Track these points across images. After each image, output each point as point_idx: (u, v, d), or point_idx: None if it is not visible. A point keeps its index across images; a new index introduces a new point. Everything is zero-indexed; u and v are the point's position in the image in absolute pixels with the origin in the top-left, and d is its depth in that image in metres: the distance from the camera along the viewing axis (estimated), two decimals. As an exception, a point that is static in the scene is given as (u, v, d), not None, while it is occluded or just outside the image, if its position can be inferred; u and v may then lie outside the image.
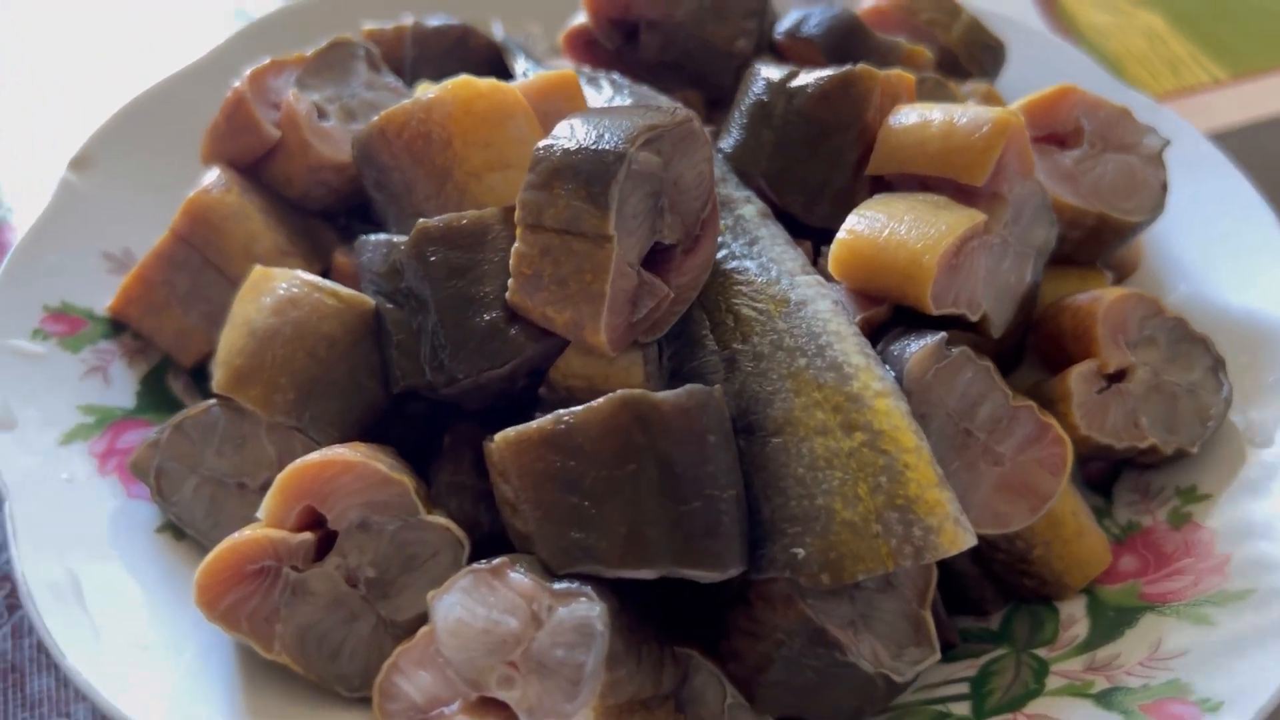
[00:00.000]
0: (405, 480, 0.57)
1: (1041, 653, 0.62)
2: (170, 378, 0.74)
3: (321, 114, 0.73)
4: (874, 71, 0.67)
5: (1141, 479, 0.70)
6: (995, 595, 0.66)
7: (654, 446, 0.52)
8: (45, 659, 0.70)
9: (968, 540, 0.53)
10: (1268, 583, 0.60)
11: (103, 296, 0.74)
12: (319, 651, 0.57)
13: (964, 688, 0.61)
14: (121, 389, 0.72)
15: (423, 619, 0.55)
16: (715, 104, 0.79)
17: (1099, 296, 0.68)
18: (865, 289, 0.63)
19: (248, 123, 0.72)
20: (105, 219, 0.78)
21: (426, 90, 0.65)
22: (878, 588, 0.57)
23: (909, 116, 0.65)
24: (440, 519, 0.57)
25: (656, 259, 0.60)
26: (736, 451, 0.55)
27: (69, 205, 0.77)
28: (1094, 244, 0.72)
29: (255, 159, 0.73)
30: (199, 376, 0.74)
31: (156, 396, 0.73)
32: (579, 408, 0.53)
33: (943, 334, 0.59)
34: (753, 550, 0.54)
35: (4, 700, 0.68)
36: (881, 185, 0.67)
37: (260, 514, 0.57)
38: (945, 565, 0.60)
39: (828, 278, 0.63)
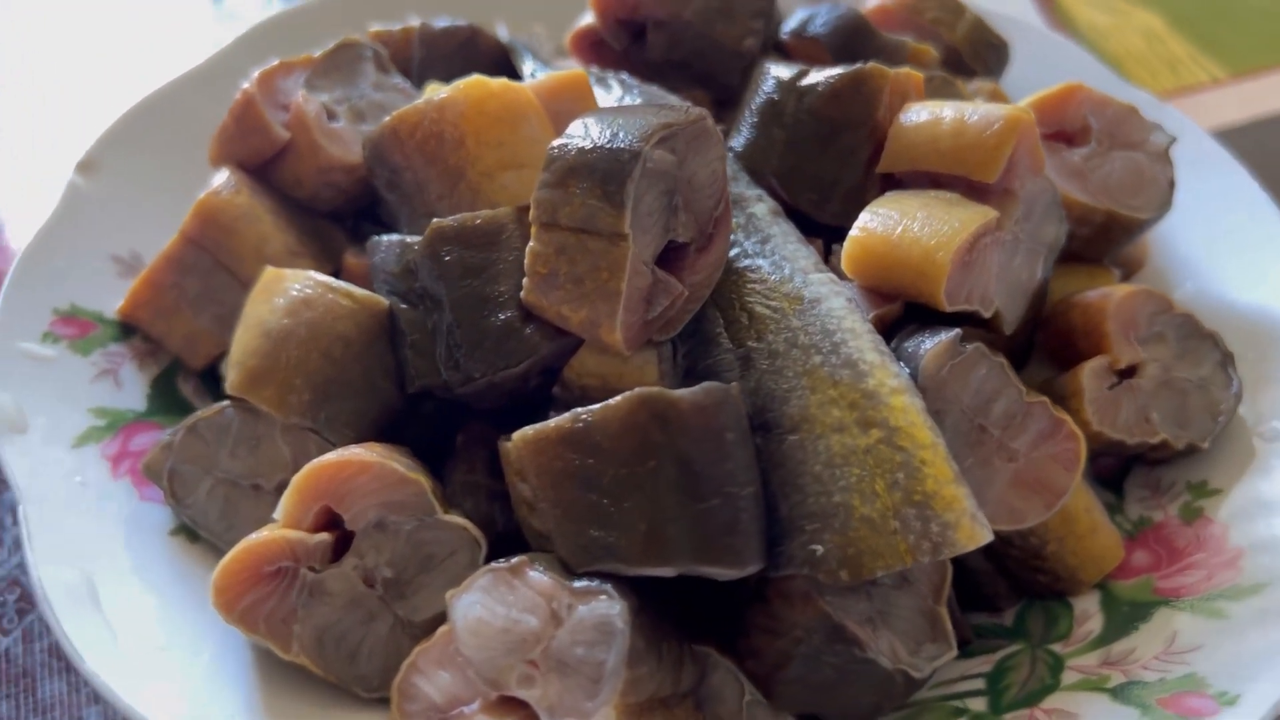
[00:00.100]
0: (422, 480, 0.57)
1: (1056, 648, 0.62)
2: (180, 380, 0.74)
3: (330, 115, 0.73)
4: (884, 70, 0.67)
5: (1152, 474, 0.70)
6: (1008, 591, 0.66)
7: (672, 444, 0.52)
8: (56, 664, 0.69)
9: (985, 536, 0.53)
10: (1281, 576, 0.60)
11: (111, 299, 0.74)
12: (337, 652, 0.57)
13: (980, 683, 0.61)
14: (132, 391, 0.72)
15: (440, 619, 0.55)
16: (722, 103, 0.79)
17: (1109, 293, 0.68)
18: (878, 286, 0.63)
19: (257, 124, 0.72)
20: (112, 222, 0.78)
21: (438, 91, 0.65)
22: (894, 584, 0.57)
23: (920, 114, 0.66)
24: (457, 518, 0.57)
25: (670, 257, 0.60)
26: (754, 449, 0.55)
27: (76, 209, 0.77)
28: (1102, 241, 0.73)
29: (264, 161, 0.73)
30: (208, 379, 0.74)
31: (167, 399, 0.73)
32: (597, 406, 0.53)
33: (957, 330, 0.59)
34: (770, 547, 0.54)
35: (16, 705, 0.67)
36: (892, 183, 0.67)
37: (277, 515, 0.57)
38: (958, 561, 0.60)
39: (840, 275, 0.63)
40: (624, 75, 0.77)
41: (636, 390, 0.53)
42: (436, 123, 0.63)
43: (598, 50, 0.82)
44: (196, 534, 0.65)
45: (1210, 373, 0.69)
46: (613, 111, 0.60)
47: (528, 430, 0.55)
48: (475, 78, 0.65)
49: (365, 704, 0.58)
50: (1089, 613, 0.63)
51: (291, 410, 0.61)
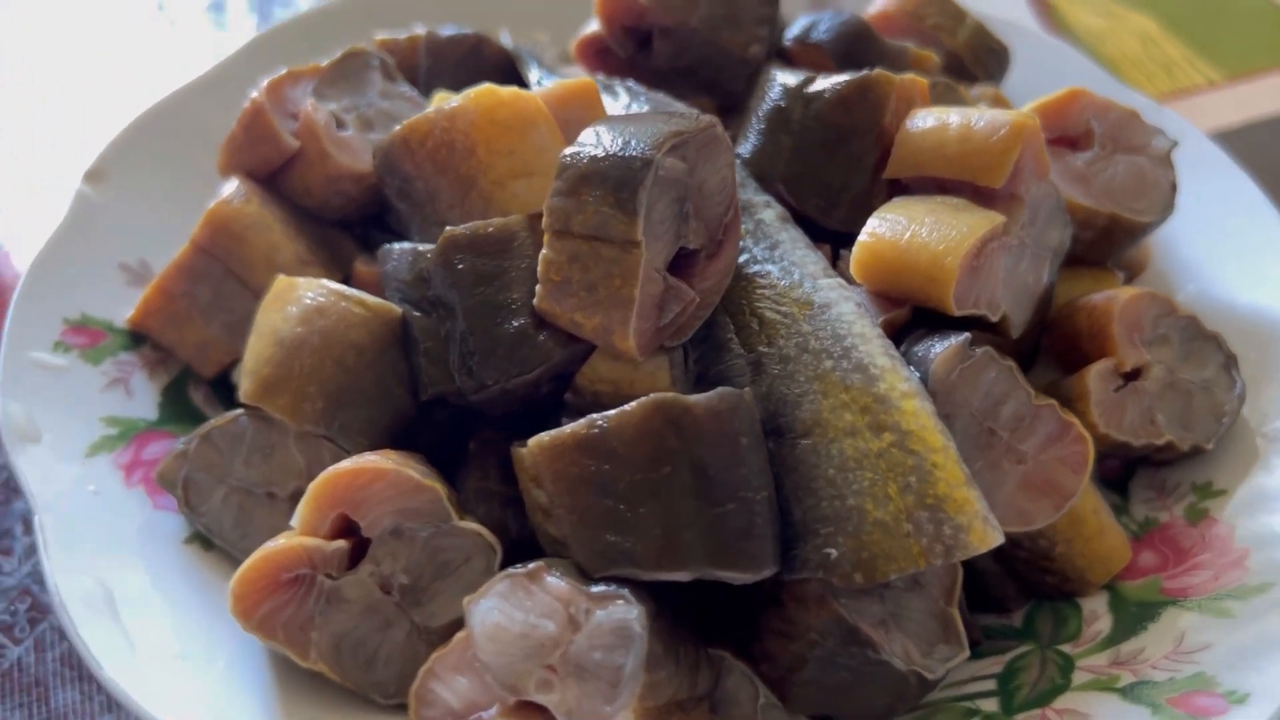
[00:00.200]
0: (437, 487, 0.58)
1: (1066, 648, 0.62)
2: (191, 388, 0.74)
3: (339, 124, 0.73)
4: (890, 76, 0.68)
5: (1157, 476, 0.71)
6: (1017, 593, 0.66)
7: (687, 449, 0.53)
8: (69, 673, 0.69)
9: (996, 538, 0.53)
10: (1288, 576, 0.61)
11: (121, 308, 0.75)
12: (354, 659, 0.57)
13: (991, 684, 0.61)
14: (143, 400, 0.72)
15: (457, 625, 0.56)
16: (727, 110, 0.79)
17: (1114, 296, 0.68)
18: (887, 291, 0.63)
19: (266, 133, 0.72)
20: (121, 231, 0.78)
21: (448, 99, 0.66)
22: (906, 587, 0.57)
23: (926, 120, 0.66)
24: (472, 525, 0.58)
25: (681, 264, 0.60)
26: (767, 454, 0.56)
27: (85, 218, 0.77)
28: (1106, 244, 0.73)
29: (273, 169, 0.74)
30: (219, 387, 0.75)
31: (178, 408, 0.73)
32: (612, 412, 0.54)
33: (966, 334, 0.60)
34: (784, 551, 0.55)
35: (29, 715, 0.67)
36: (898, 188, 0.68)
37: (293, 522, 0.58)
38: (967, 564, 0.60)
39: (848, 280, 0.64)
40: (630, 82, 0.77)
41: (651, 396, 0.54)
42: (447, 131, 0.64)
43: (603, 57, 0.82)
44: (211, 542, 0.65)
45: (1214, 374, 0.69)
46: (623, 120, 0.60)
47: (544, 436, 0.55)
48: (485, 86, 0.65)
49: (383, 710, 0.58)
50: (1097, 613, 0.64)
51: (305, 418, 0.61)
